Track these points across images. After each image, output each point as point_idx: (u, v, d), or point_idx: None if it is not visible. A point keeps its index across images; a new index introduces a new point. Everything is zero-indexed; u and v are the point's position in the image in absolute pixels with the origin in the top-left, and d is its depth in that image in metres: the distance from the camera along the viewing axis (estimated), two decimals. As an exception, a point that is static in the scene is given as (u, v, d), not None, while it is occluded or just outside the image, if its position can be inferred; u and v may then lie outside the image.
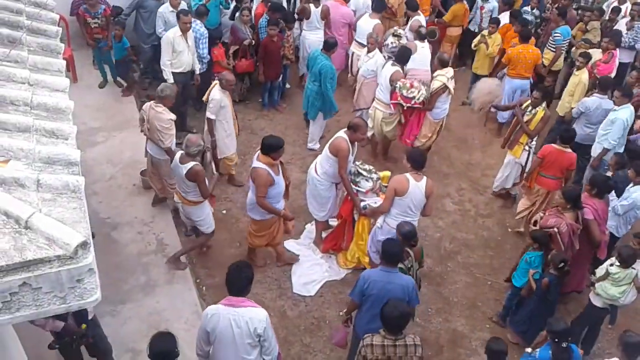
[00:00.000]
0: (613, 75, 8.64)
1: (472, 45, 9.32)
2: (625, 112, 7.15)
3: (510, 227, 7.64)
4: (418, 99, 7.66)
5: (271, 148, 5.69)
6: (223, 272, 6.44)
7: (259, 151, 5.79)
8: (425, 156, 6.12)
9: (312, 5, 9.24)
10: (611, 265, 5.58)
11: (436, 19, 10.39)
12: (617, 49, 8.82)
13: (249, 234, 6.36)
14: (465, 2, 10.25)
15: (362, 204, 6.24)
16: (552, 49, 9.35)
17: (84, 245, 2.79)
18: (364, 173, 6.42)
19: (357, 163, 6.52)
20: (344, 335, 5.34)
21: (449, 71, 7.91)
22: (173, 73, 7.90)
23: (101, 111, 8.67)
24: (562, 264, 5.53)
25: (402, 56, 7.91)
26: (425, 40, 8.72)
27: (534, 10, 9.99)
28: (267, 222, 6.15)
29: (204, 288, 6.35)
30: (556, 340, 4.67)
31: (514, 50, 8.80)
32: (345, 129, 6.29)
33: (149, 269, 6.36)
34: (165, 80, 7.71)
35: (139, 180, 7.42)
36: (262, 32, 8.92)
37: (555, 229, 5.81)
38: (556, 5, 10.16)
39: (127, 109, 8.84)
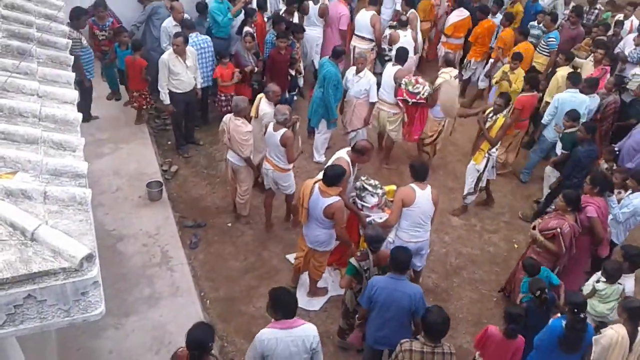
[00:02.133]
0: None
1: (494, 81, 9.26)
2: (563, 95, 7.97)
3: (517, 242, 7.60)
4: (423, 94, 7.90)
5: (338, 178, 5.62)
6: (227, 285, 6.53)
7: (320, 184, 5.63)
8: (427, 167, 6.14)
9: (311, 2, 9.71)
10: (597, 281, 5.55)
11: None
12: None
13: (315, 269, 6.22)
14: None
15: (368, 219, 6.22)
16: (545, 53, 9.61)
17: (89, 257, 2.79)
18: (370, 188, 6.39)
19: (363, 178, 6.50)
20: (358, 335, 5.53)
21: (453, 71, 8.22)
22: (175, 93, 7.87)
23: (108, 123, 8.71)
24: (539, 292, 5.31)
25: (400, 56, 8.24)
26: (408, 28, 9.37)
27: (540, 25, 10.03)
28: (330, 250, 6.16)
29: (208, 301, 6.32)
30: (575, 310, 4.73)
31: (521, 48, 9.23)
32: (348, 149, 6.31)
33: (153, 282, 6.34)
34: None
35: (145, 192, 7.43)
36: (268, 47, 8.97)
37: (558, 230, 5.79)
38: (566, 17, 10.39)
39: (134, 120, 8.87)
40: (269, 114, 6.92)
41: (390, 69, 8.19)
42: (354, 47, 9.81)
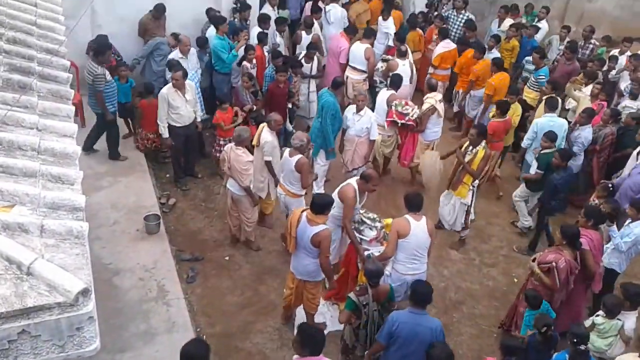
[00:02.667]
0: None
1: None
2: (541, 119, 8.26)
3: (516, 276, 7.55)
4: (412, 115, 8.26)
5: (326, 207, 5.64)
6: (224, 321, 6.45)
7: (307, 214, 5.61)
8: (422, 198, 6.10)
9: (303, 32, 10.13)
10: (596, 316, 5.50)
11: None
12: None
13: (309, 301, 6.12)
14: (419, 30, 11.10)
15: (366, 253, 6.18)
16: (535, 89, 9.78)
17: (85, 292, 2.76)
18: (368, 222, 6.38)
19: (361, 211, 6.49)
20: None
21: (438, 95, 8.70)
22: (175, 127, 7.90)
23: (107, 156, 8.71)
24: (545, 328, 5.25)
25: (394, 82, 8.66)
26: (406, 58, 9.72)
27: (535, 60, 10.21)
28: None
29: (204, 337, 6.22)
30: (575, 341, 4.76)
31: (497, 81, 9.44)
32: (357, 177, 6.36)
33: (149, 317, 6.26)
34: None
35: (142, 225, 7.39)
36: (267, 80, 9.07)
37: (554, 264, 5.74)
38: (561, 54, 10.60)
39: (133, 153, 8.89)
40: (270, 143, 6.98)
41: (384, 94, 8.56)
42: (347, 76, 10.02)
